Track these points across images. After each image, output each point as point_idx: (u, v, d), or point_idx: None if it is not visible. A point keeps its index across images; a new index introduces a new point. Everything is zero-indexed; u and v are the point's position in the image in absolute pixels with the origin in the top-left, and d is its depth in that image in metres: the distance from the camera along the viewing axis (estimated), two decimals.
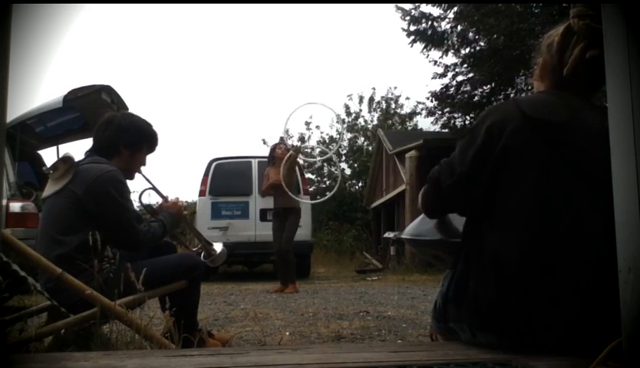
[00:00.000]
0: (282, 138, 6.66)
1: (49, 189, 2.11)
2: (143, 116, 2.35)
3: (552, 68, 1.41)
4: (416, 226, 1.64)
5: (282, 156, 6.03)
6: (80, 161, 2.14)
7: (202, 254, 2.59)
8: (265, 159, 8.70)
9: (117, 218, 2.07)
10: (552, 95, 1.38)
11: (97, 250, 1.89)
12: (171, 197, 2.42)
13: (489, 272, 1.28)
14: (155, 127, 2.34)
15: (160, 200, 2.43)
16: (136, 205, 2.42)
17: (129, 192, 2.18)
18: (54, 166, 2.08)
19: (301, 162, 6.44)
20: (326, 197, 7.29)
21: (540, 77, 1.46)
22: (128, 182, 2.21)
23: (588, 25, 1.33)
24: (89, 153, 2.22)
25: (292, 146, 6.41)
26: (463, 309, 1.33)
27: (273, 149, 6.37)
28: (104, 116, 2.29)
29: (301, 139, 22.42)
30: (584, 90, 1.39)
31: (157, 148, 2.37)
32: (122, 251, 2.07)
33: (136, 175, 2.34)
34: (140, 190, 2.43)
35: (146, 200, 2.43)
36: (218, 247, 2.62)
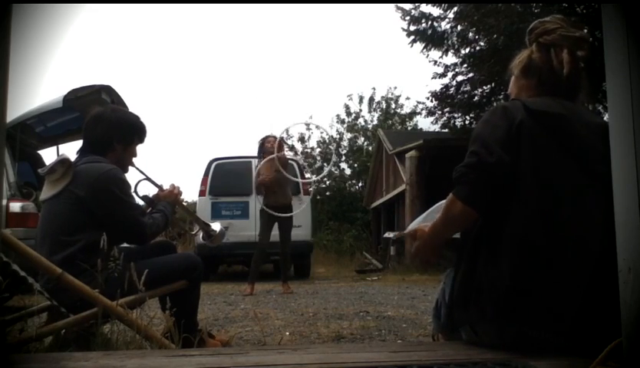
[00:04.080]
0: (264, 139, 6.08)
1: (48, 191, 2.10)
2: (129, 110, 2.37)
3: (541, 83, 1.46)
4: (421, 222, 1.64)
5: (273, 150, 5.75)
6: (76, 161, 2.14)
7: (202, 236, 2.62)
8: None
9: (122, 215, 2.08)
10: (549, 98, 1.42)
11: (104, 250, 1.89)
12: (166, 185, 2.43)
13: (496, 268, 1.28)
14: (143, 119, 2.36)
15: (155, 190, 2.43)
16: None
17: (130, 188, 2.19)
18: (52, 169, 2.08)
19: (288, 157, 5.99)
20: (321, 175, 6.54)
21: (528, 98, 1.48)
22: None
23: (560, 35, 1.42)
24: (83, 152, 2.22)
25: (275, 140, 5.87)
26: (467, 310, 1.33)
27: (262, 143, 6.05)
28: (91, 113, 2.29)
29: (301, 139, 22.46)
30: (573, 94, 1.45)
31: (147, 139, 2.38)
32: (125, 251, 2.07)
33: (130, 168, 2.34)
34: (135, 183, 2.43)
35: (141, 191, 2.43)
36: (216, 226, 2.66)
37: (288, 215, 5.89)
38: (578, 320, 1.22)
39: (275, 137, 6.00)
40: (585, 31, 1.46)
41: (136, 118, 2.34)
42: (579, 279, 1.23)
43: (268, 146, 5.88)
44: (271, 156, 5.75)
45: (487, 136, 1.32)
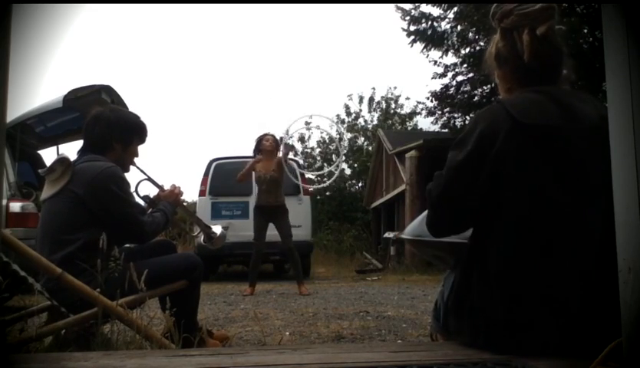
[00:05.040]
0: (264, 138, 5.80)
1: (47, 191, 2.11)
2: (129, 110, 2.36)
3: (513, 71, 1.39)
4: (416, 226, 1.63)
5: (270, 148, 5.70)
6: (76, 161, 2.14)
7: (203, 238, 2.62)
8: None
9: (121, 213, 2.08)
10: (533, 92, 1.33)
11: (104, 250, 1.89)
12: (167, 186, 2.44)
13: (490, 277, 1.27)
14: (143, 119, 2.36)
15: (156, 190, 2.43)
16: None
17: (129, 187, 2.19)
18: (51, 168, 2.08)
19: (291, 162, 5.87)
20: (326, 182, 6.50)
21: (508, 89, 1.43)
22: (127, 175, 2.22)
23: (518, 15, 1.33)
24: (82, 152, 2.22)
25: (285, 143, 5.79)
26: (464, 318, 1.33)
27: (260, 140, 5.87)
28: (91, 113, 2.30)
29: (301, 139, 22.46)
30: (552, 76, 1.37)
31: (148, 139, 2.37)
32: (125, 251, 2.07)
33: (132, 168, 2.34)
34: (136, 183, 2.43)
35: (142, 191, 2.44)
36: (217, 229, 2.66)
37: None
38: (578, 322, 1.22)
39: (272, 135, 5.90)
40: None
41: (136, 118, 2.34)
42: (578, 282, 1.23)
43: (267, 144, 5.76)
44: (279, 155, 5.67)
45: (454, 166, 1.31)
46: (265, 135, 5.90)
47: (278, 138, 5.90)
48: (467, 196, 1.30)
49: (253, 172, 5.82)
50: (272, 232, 5.99)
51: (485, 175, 1.26)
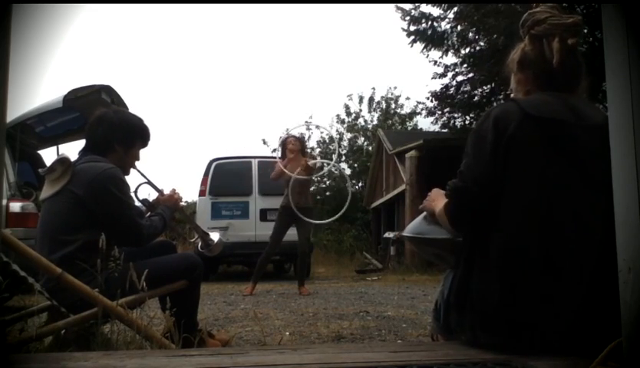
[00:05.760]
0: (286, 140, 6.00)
1: (47, 191, 2.11)
2: (134, 112, 2.36)
3: (536, 75, 1.44)
4: (417, 225, 1.64)
5: (296, 149, 5.74)
6: (76, 161, 2.14)
7: (200, 245, 2.62)
8: (265, 159, 8.71)
9: (119, 215, 2.07)
10: (548, 95, 1.39)
11: (103, 250, 1.89)
12: (166, 190, 2.44)
13: (491, 273, 1.28)
14: (146, 122, 2.35)
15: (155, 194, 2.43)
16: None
17: (129, 189, 2.19)
18: (51, 168, 2.08)
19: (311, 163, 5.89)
20: (334, 218, 7.13)
21: (527, 92, 1.47)
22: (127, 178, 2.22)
23: (550, 24, 1.39)
24: (84, 153, 2.22)
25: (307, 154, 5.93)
26: (465, 314, 1.33)
27: (284, 143, 5.93)
28: (95, 114, 2.29)
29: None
30: (571, 85, 1.42)
31: (150, 142, 2.36)
32: (125, 251, 2.07)
33: (132, 170, 2.34)
34: (136, 186, 2.42)
35: (141, 195, 2.43)
36: (215, 236, 2.67)
37: (321, 222, 5.85)
38: (578, 322, 1.22)
39: (295, 137, 6.00)
40: (580, 17, 1.41)
41: (140, 121, 2.33)
42: (578, 281, 1.23)
43: (291, 146, 5.81)
44: (314, 162, 5.76)
45: (475, 154, 1.34)
46: (288, 137, 6.02)
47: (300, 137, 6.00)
48: (497, 187, 1.31)
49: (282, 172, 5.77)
50: (289, 232, 5.92)
51: (500, 163, 1.29)
